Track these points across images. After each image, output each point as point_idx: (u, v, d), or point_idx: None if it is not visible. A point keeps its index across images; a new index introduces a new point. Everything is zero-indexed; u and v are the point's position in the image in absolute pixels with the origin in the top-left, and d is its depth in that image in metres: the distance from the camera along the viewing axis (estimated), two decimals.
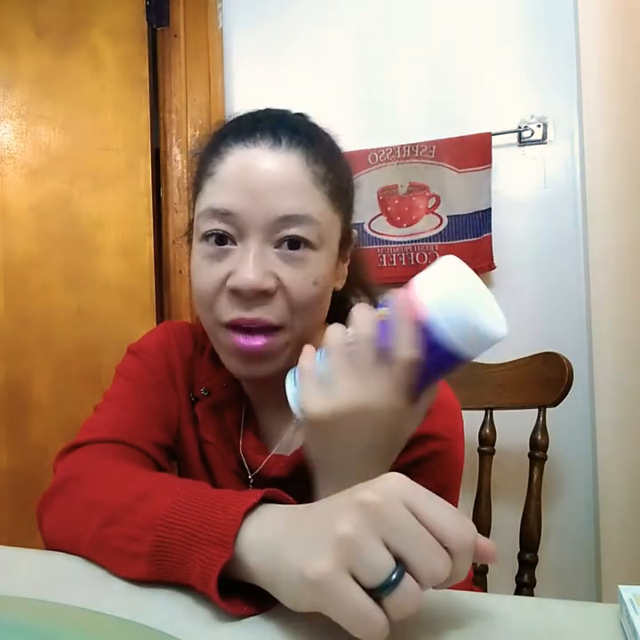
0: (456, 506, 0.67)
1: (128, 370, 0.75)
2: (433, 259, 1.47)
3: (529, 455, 1.12)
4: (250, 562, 0.41)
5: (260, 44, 1.69)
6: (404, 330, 0.46)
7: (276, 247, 0.59)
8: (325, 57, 1.61)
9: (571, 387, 1.11)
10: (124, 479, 0.54)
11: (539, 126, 1.45)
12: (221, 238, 0.60)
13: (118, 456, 0.64)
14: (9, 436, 1.66)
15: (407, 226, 1.49)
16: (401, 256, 1.49)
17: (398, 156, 1.51)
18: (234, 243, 0.60)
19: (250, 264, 0.57)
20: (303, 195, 0.59)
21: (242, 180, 0.59)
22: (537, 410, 1.14)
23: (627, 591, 0.40)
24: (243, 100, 1.72)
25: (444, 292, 0.45)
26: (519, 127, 1.46)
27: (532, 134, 1.45)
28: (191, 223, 0.68)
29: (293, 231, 0.58)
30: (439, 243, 1.47)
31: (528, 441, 1.12)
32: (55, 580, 0.51)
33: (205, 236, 0.61)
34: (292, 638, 0.39)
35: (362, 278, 0.73)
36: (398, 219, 1.50)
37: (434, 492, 0.48)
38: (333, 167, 0.62)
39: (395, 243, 1.49)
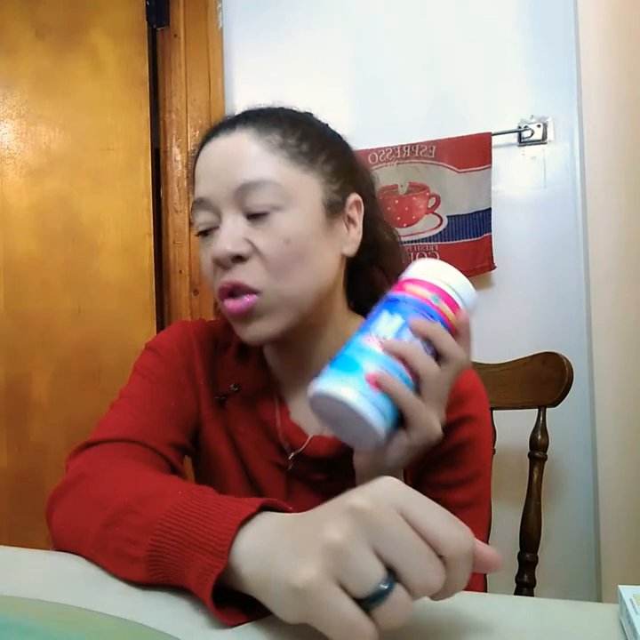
0: (490, 490, 0.71)
1: (145, 367, 0.75)
2: (433, 258, 1.48)
3: (529, 455, 1.12)
4: (243, 572, 0.40)
5: (260, 44, 1.69)
6: (464, 338, 0.55)
7: (247, 217, 0.64)
8: (325, 57, 1.61)
9: (571, 387, 1.11)
10: (130, 480, 0.55)
11: (539, 126, 1.45)
12: (205, 225, 0.67)
13: (130, 456, 0.64)
14: (9, 436, 1.66)
15: (407, 226, 1.49)
16: None
17: (398, 156, 1.51)
18: (217, 227, 0.66)
19: (222, 235, 0.63)
20: (255, 162, 0.64)
21: (206, 170, 0.67)
22: (537, 410, 1.14)
23: (627, 591, 0.40)
24: (243, 100, 1.71)
25: (437, 272, 0.57)
26: (519, 127, 1.46)
27: (532, 134, 1.45)
28: None
29: (254, 196, 0.63)
30: (439, 243, 1.47)
31: (528, 441, 1.12)
32: (55, 580, 0.51)
33: (197, 229, 0.69)
34: (292, 638, 0.39)
35: (382, 257, 0.75)
36: (398, 219, 1.50)
37: (473, 476, 0.59)
38: (295, 132, 0.66)
39: None
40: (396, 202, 1.50)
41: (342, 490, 0.39)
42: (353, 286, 0.75)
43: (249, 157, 0.64)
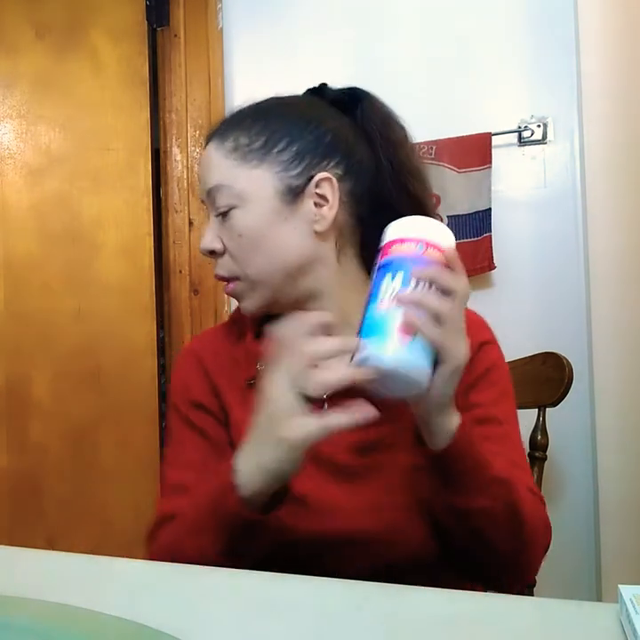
0: (516, 411, 0.79)
1: (168, 426, 0.84)
2: None
3: (529, 455, 1.12)
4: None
5: (260, 43, 1.69)
6: (458, 271, 0.59)
7: (218, 216, 0.74)
8: (325, 57, 1.61)
9: (571, 387, 1.11)
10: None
11: (539, 126, 1.45)
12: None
13: None
14: (9, 436, 1.66)
15: None
16: None
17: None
18: None
19: (203, 233, 0.76)
20: (214, 170, 0.74)
21: (199, 177, 0.79)
22: (537, 410, 1.14)
23: (627, 591, 0.40)
24: (243, 100, 1.71)
25: (412, 226, 0.61)
26: (519, 127, 1.46)
27: (532, 134, 1.45)
28: None
29: (217, 199, 0.73)
30: None
31: (528, 441, 1.12)
32: (55, 580, 0.51)
33: None
34: (292, 638, 0.39)
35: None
36: None
37: (505, 393, 0.77)
38: (251, 130, 0.74)
39: None
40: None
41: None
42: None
43: (211, 166, 0.74)
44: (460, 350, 0.58)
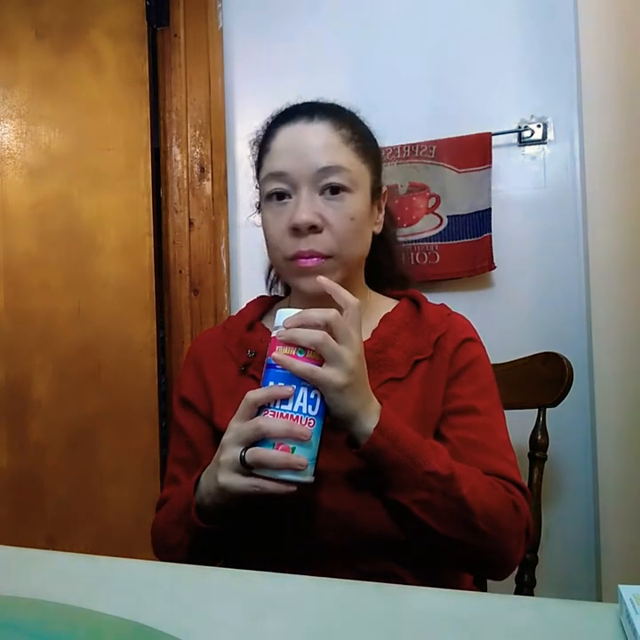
0: (501, 406, 0.84)
1: (173, 422, 0.93)
2: (433, 258, 1.48)
3: (529, 455, 1.12)
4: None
5: (260, 43, 1.69)
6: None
7: (320, 194, 0.78)
8: (325, 57, 1.61)
9: (571, 387, 1.11)
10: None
11: (539, 126, 1.45)
12: (280, 195, 0.80)
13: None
14: (9, 436, 1.66)
15: (407, 226, 1.49)
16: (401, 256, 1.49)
17: (398, 155, 1.51)
18: (289, 197, 0.79)
19: (304, 206, 0.77)
20: (334, 151, 0.79)
21: (289, 148, 0.80)
22: (537, 410, 1.14)
23: (627, 591, 0.40)
24: (243, 99, 1.72)
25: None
26: (519, 127, 1.46)
27: (532, 134, 1.45)
28: (258, 196, 0.88)
29: (331, 179, 0.78)
30: (439, 243, 1.47)
31: (528, 441, 1.12)
32: (55, 580, 0.51)
33: (269, 196, 0.81)
34: (292, 638, 0.39)
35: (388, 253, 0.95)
36: (398, 219, 1.49)
37: (487, 387, 0.83)
38: (356, 131, 0.83)
39: None
40: (396, 202, 1.50)
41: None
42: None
43: (329, 146, 0.79)
44: (334, 382, 0.66)
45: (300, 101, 0.87)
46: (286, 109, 0.86)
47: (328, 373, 0.65)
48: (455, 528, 0.69)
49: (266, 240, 0.84)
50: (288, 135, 0.81)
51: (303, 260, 0.78)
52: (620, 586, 0.41)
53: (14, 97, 1.71)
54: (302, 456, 0.65)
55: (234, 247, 1.72)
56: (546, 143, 1.45)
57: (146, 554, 0.81)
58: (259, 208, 0.88)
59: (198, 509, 0.72)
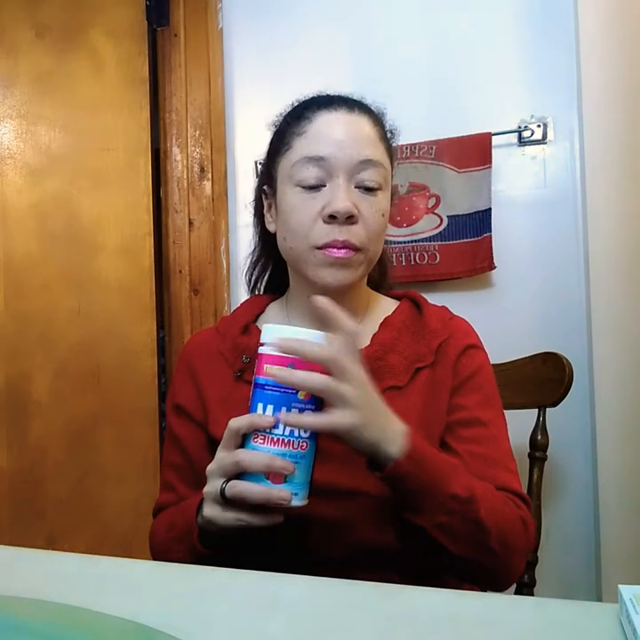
0: (503, 414, 0.83)
1: (168, 429, 0.91)
2: (433, 259, 1.48)
3: (529, 455, 1.12)
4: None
5: (260, 43, 1.69)
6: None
7: (356, 186, 0.77)
8: (325, 57, 1.61)
9: (571, 387, 1.11)
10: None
11: (539, 126, 1.45)
12: (316, 180, 0.77)
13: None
14: (9, 436, 1.66)
15: (407, 226, 1.49)
16: (401, 256, 1.49)
17: (398, 155, 1.50)
18: (324, 184, 0.77)
19: (343, 194, 0.75)
20: (374, 146, 0.79)
21: (329, 134, 0.77)
22: (537, 410, 1.14)
23: (627, 591, 0.40)
24: (243, 99, 1.72)
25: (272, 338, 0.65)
26: (519, 127, 1.46)
27: (532, 134, 1.45)
28: (264, 182, 0.86)
29: (369, 173, 0.77)
30: (439, 243, 1.47)
31: (528, 441, 1.12)
32: (55, 580, 0.51)
33: (300, 180, 0.78)
34: (292, 638, 0.39)
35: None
36: (398, 219, 1.50)
37: (491, 396, 0.81)
38: (387, 130, 0.84)
39: (395, 243, 1.49)
40: (396, 202, 1.50)
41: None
42: None
43: (372, 139, 0.79)
44: (343, 425, 0.62)
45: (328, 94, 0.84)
46: (322, 96, 0.83)
47: (334, 419, 0.62)
48: (469, 548, 0.68)
49: (287, 226, 0.79)
50: (329, 121, 0.78)
51: (335, 251, 0.76)
52: (619, 586, 0.41)
53: (14, 97, 1.71)
54: (286, 489, 0.62)
55: (234, 247, 1.72)
56: (546, 143, 1.45)
57: (146, 554, 0.82)
58: (266, 195, 0.85)
59: (201, 532, 0.70)
